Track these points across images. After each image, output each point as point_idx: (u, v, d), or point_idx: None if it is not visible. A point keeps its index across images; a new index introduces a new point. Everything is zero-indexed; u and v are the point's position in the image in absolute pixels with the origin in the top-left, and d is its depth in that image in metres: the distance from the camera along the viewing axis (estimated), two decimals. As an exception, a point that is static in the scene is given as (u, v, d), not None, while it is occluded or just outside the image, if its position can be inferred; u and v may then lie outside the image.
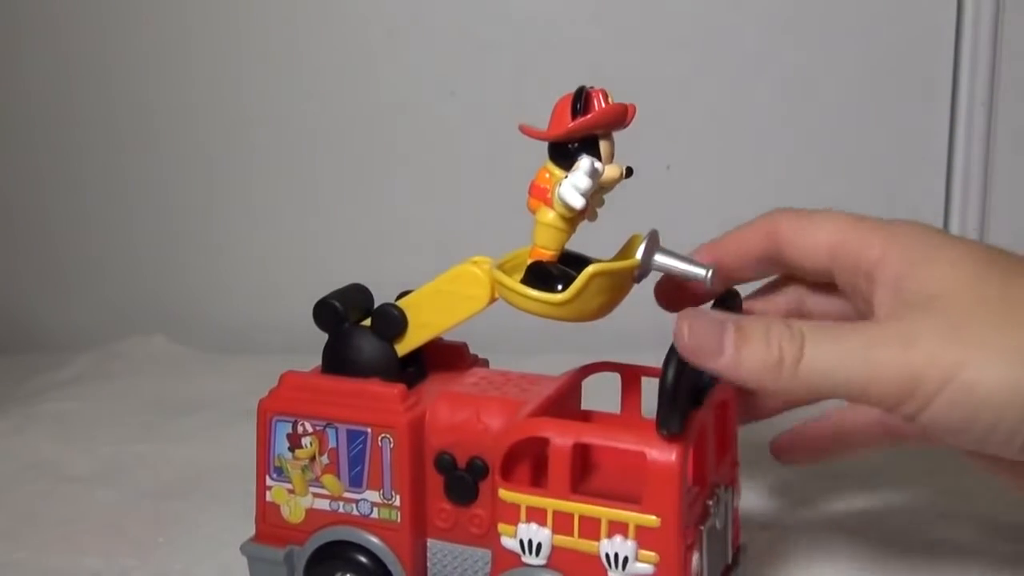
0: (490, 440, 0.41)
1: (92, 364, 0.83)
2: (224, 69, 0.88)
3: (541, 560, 0.40)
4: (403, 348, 0.46)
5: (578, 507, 0.39)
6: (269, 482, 0.46)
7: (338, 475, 0.44)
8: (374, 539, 0.44)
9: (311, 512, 0.45)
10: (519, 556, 0.41)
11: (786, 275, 0.46)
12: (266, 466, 0.46)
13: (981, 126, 0.81)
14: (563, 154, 0.41)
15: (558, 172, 0.41)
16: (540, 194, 0.41)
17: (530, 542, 0.40)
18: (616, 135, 0.41)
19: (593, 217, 0.42)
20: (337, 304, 0.46)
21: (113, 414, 0.73)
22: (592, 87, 0.40)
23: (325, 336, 0.47)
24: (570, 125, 0.40)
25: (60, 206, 0.94)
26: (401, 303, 0.46)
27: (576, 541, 0.40)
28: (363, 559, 0.44)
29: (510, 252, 0.44)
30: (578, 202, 0.40)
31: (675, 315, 0.40)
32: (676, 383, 0.37)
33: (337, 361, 0.46)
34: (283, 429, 0.45)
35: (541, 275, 0.42)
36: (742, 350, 0.36)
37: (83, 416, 0.72)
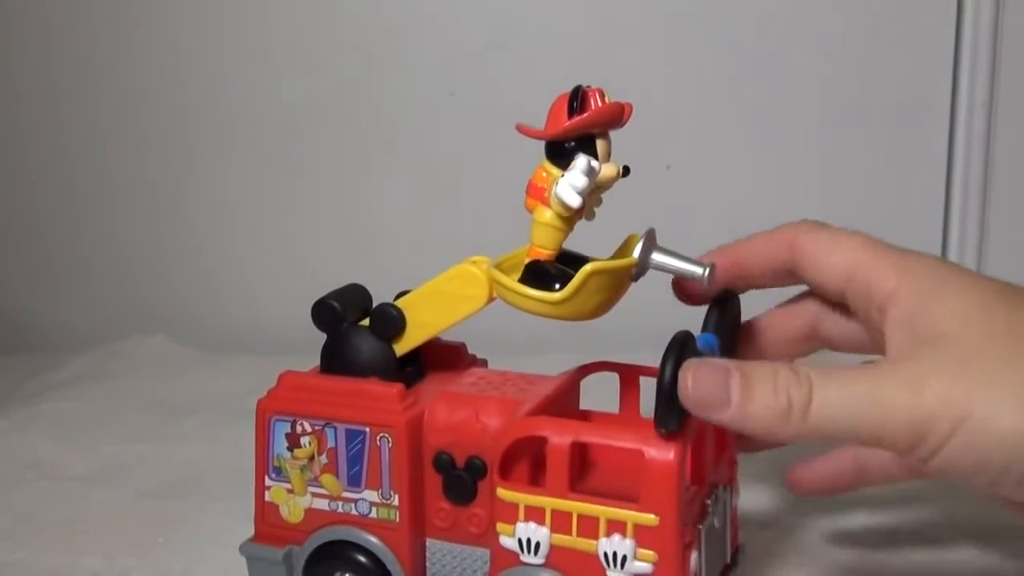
0: (488, 439, 0.42)
1: (92, 364, 0.83)
2: (223, 69, 0.88)
3: (540, 559, 0.40)
4: (401, 348, 0.46)
5: (576, 506, 0.39)
6: (268, 482, 0.46)
7: (337, 475, 0.44)
8: (373, 539, 0.44)
9: (310, 512, 0.45)
10: (518, 555, 0.41)
11: (808, 291, 0.46)
12: (265, 466, 0.46)
13: (981, 126, 0.81)
14: (560, 153, 0.41)
15: (555, 171, 0.41)
16: (537, 193, 0.41)
17: (529, 541, 0.40)
18: (615, 134, 0.41)
19: (591, 216, 0.42)
20: (336, 304, 0.46)
21: (113, 414, 0.73)
22: (589, 86, 0.40)
23: (324, 336, 0.47)
24: (566, 124, 0.40)
25: (57, 206, 0.94)
26: (399, 303, 0.46)
27: (575, 540, 0.40)
28: (362, 559, 0.44)
29: (508, 252, 0.44)
30: (575, 201, 0.40)
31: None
32: (674, 382, 0.37)
33: (336, 361, 0.46)
34: (282, 429, 0.45)
35: (539, 274, 0.42)
36: (749, 400, 0.36)
37: (83, 416, 0.72)
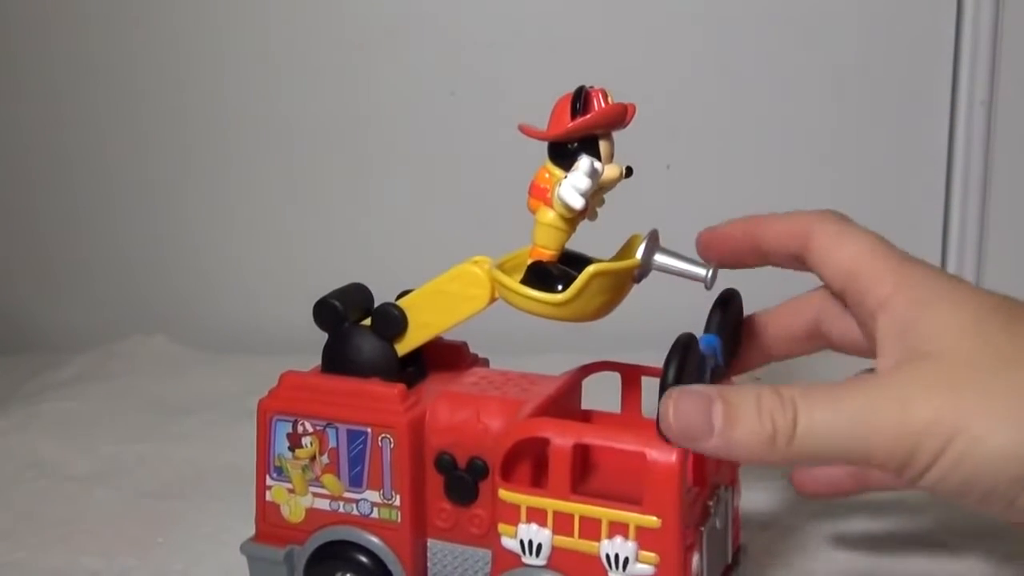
0: (490, 440, 0.41)
1: (92, 364, 0.83)
2: (223, 69, 0.88)
3: (541, 561, 0.40)
4: (403, 348, 0.46)
5: (578, 507, 0.39)
6: (269, 482, 0.46)
7: (338, 475, 0.44)
8: (374, 539, 0.44)
9: (311, 512, 0.45)
10: (519, 556, 0.41)
11: (814, 289, 0.45)
12: (266, 466, 0.46)
13: (981, 126, 0.81)
14: (563, 154, 0.41)
15: (558, 172, 0.41)
16: (540, 194, 0.41)
17: (530, 542, 0.40)
18: (616, 135, 0.41)
19: (593, 217, 0.42)
20: (337, 304, 0.46)
21: (113, 414, 0.73)
22: (592, 87, 0.40)
23: (325, 336, 0.47)
24: (569, 125, 0.40)
25: (57, 206, 0.94)
26: (401, 303, 0.46)
27: (576, 542, 0.40)
28: (363, 559, 0.44)
29: (510, 252, 0.44)
30: (578, 202, 0.40)
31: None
32: (676, 383, 0.37)
33: (337, 361, 0.46)
34: (283, 429, 0.45)
35: (541, 275, 0.42)
36: (732, 427, 0.35)
37: (83, 416, 0.72)
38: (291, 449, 0.45)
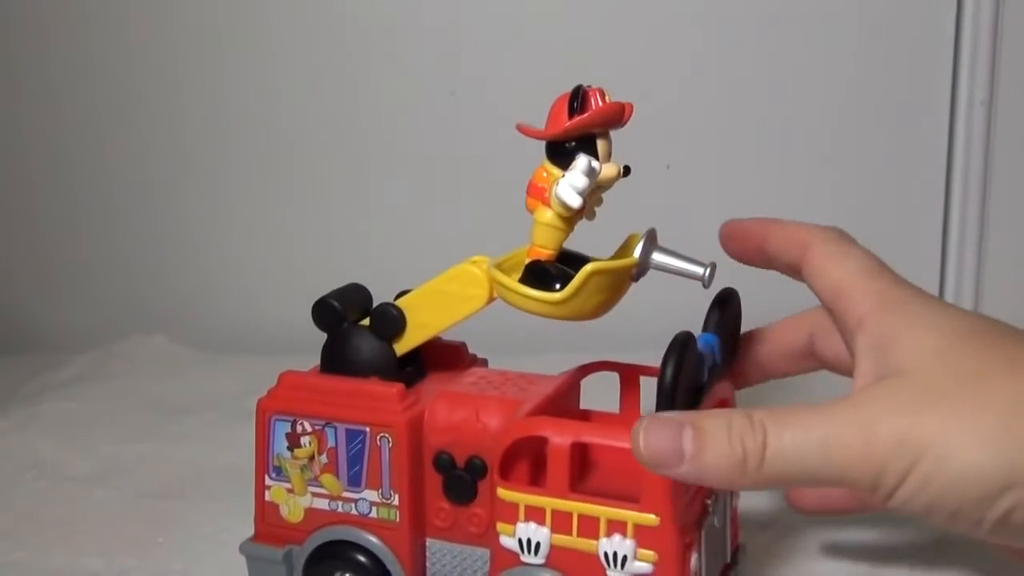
0: (489, 439, 0.42)
1: (92, 364, 0.83)
2: (223, 69, 0.88)
3: (540, 559, 0.40)
4: (402, 347, 0.46)
5: (577, 506, 0.39)
6: (268, 482, 0.46)
7: (337, 474, 0.44)
8: (373, 538, 0.44)
9: (310, 512, 0.45)
10: (518, 555, 0.41)
11: (812, 307, 0.46)
12: (265, 466, 0.46)
13: (981, 126, 0.81)
14: (560, 153, 0.41)
15: (555, 171, 0.41)
16: (538, 193, 0.41)
17: (529, 541, 0.40)
18: (616, 134, 0.41)
19: (591, 216, 0.42)
20: (336, 304, 0.46)
21: (113, 414, 0.73)
22: (589, 86, 0.40)
23: (324, 335, 0.47)
24: (567, 124, 0.40)
25: (57, 206, 0.94)
26: (400, 303, 0.46)
27: (575, 540, 0.40)
28: (362, 558, 0.44)
29: (508, 251, 0.44)
30: (575, 201, 0.40)
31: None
32: (674, 382, 0.37)
33: (336, 361, 0.46)
34: (282, 429, 0.45)
35: (539, 274, 0.42)
36: (702, 452, 0.35)
37: (83, 416, 0.72)
38: (290, 449, 0.45)
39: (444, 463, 0.43)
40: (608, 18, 0.83)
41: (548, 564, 0.40)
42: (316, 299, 0.47)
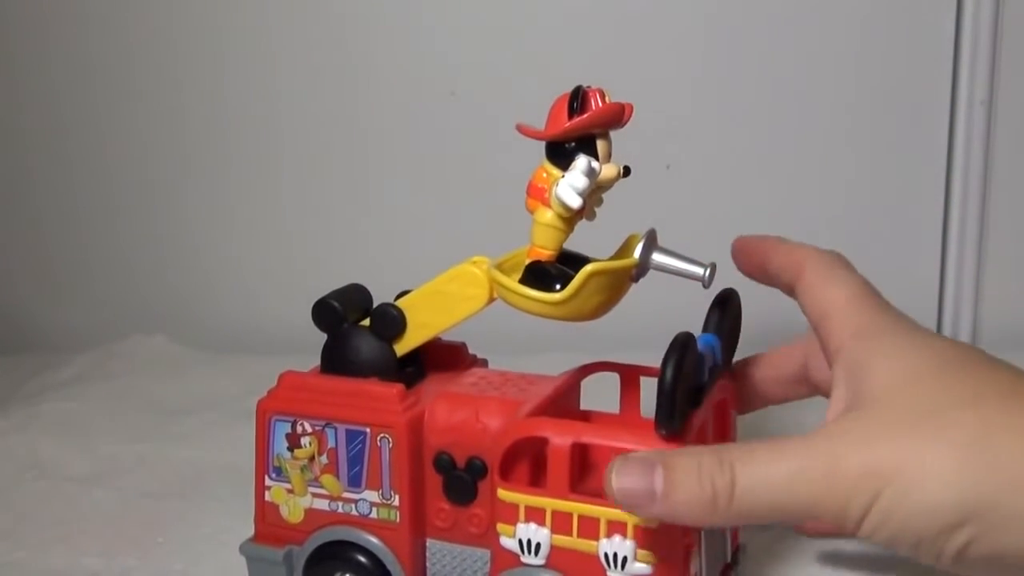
0: (489, 440, 0.42)
1: (92, 364, 0.83)
2: (222, 69, 0.88)
3: (540, 560, 0.40)
4: (402, 348, 0.46)
5: (577, 507, 0.39)
6: (268, 482, 0.46)
7: (337, 475, 0.44)
8: (373, 539, 0.44)
9: (310, 512, 0.45)
10: (518, 556, 0.41)
11: (805, 333, 0.46)
12: (265, 466, 0.46)
13: (981, 126, 0.81)
14: (560, 153, 0.41)
15: (555, 172, 0.41)
16: (538, 194, 0.41)
17: (529, 542, 0.40)
18: (616, 134, 0.41)
19: (591, 216, 0.42)
20: (336, 304, 0.46)
21: (113, 414, 0.73)
22: (589, 86, 0.40)
23: (324, 336, 0.47)
24: (567, 124, 0.40)
25: (57, 206, 0.94)
26: (400, 303, 0.46)
27: (575, 541, 0.40)
28: (362, 559, 0.44)
29: (508, 252, 0.44)
30: (575, 202, 0.40)
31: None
32: (675, 383, 0.37)
33: (336, 361, 0.46)
34: (282, 429, 0.45)
35: (539, 275, 0.42)
36: (673, 491, 0.35)
37: (83, 416, 0.72)
38: (290, 449, 0.45)
39: (444, 463, 0.43)
40: (608, 18, 0.83)
41: (548, 565, 0.40)
42: (316, 299, 0.47)
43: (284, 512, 0.46)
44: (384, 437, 0.43)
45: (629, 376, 0.48)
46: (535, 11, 0.84)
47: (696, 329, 0.42)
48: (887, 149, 0.83)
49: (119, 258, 0.94)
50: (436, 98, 0.86)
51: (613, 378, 0.48)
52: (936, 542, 0.34)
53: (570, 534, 0.40)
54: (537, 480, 0.41)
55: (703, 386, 0.42)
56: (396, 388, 0.43)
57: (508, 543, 0.41)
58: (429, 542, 0.44)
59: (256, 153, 0.89)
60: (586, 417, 0.48)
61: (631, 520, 0.38)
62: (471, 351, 0.51)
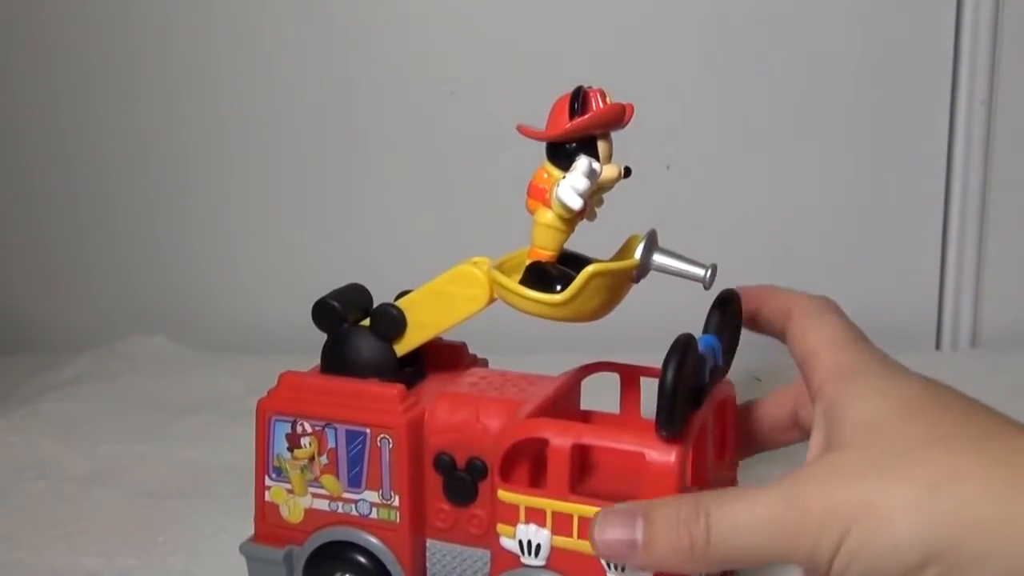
0: (489, 440, 0.41)
1: (92, 364, 0.83)
2: (222, 69, 0.88)
3: (540, 561, 0.40)
4: (402, 348, 0.46)
5: (577, 508, 0.39)
6: (268, 482, 0.46)
7: (337, 475, 0.44)
8: (373, 539, 0.44)
9: (310, 512, 0.45)
10: (518, 557, 0.41)
11: (795, 380, 0.46)
12: (265, 466, 0.46)
13: (981, 126, 0.81)
14: (561, 154, 0.41)
15: (556, 172, 0.41)
16: (538, 195, 0.41)
17: (529, 543, 0.40)
18: (616, 135, 0.41)
19: (592, 217, 0.42)
20: (336, 304, 0.46)
21: (113, 414, 0.73)
22: (590, 87, 0.40)
23: (324, 336, 0.47)
24: (568, 125, 0.40)
25: (57, 206, 0.94)
26: (400, 303, 0.46)
27: (575, 542, 0.40)
28: (362, 559, 0.44)
29: (509, 252, 0.44)
30: (576, 203, 0.40)
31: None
32: (675, 384, 0.37)
33: (336, 361, 0.46)
34: (282, 429, 0.45)
35: (540, 275, 0.42)
36: (652, 542, 0.36)
37: (83, 416, 0.72)
38: (290, 449, 0.45)
39: (444, 464, 0.42)
40: (609, 18, 0.83)
41: (548, 566, 0.40)
42: (316, 299, 0.47)
43: (284, 512, 0.46)
44: (384, 437, 0.43)
45: (629, 376, 0.48)
46: (535, 11, 0.84)
47: (696, 330, 0.42)
48: (887, 149, 0.83)
49: (119, 258, 0.94)
50: (436, 98, 0.86)
51: (613, 378, 0.48)
52: None
53: (570, 535, 0.40)
54: (537, 481, 0.41)
55: (704, 387, 0.42)
56: (396, 388, 0.43)
57: (508, 544, 0.41)
58: (429, 543, 0.44)
59: (256, 153, 0.89)
60: (586, 417, 0.48)
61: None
62: (471, 351, 0.50)
